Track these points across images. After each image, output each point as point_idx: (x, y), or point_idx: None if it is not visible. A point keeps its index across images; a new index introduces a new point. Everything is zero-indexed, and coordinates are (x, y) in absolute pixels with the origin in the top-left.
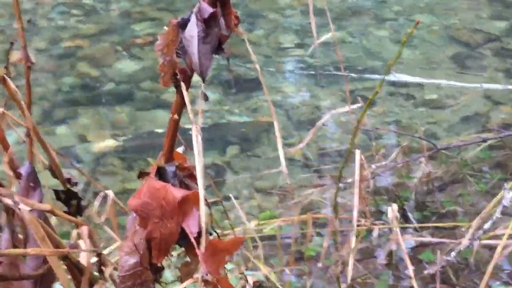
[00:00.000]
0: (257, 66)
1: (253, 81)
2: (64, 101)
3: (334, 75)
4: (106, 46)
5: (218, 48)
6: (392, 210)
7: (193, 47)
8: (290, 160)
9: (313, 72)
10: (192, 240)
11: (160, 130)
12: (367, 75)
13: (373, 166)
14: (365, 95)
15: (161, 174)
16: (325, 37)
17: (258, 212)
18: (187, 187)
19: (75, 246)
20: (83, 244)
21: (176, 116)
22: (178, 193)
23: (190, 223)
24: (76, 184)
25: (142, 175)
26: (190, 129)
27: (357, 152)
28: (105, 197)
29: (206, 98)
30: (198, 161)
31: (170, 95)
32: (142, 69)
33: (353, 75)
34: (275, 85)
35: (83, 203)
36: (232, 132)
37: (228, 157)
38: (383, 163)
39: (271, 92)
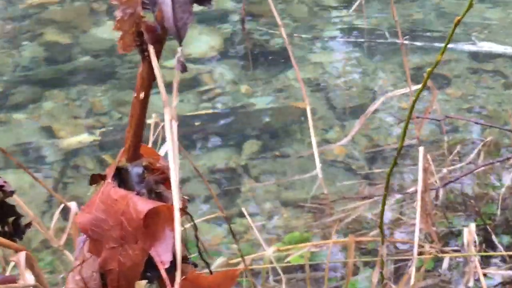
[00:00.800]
0: (283, 32)
1: (281, 52)
2: (24, 80)
3: (392, 44)
4: (81, 6)
5: None
6: (469, 232)
7: None
8: (330, 162)
9: (363, 40)
10: (163, 273)
11: (151, 121)
12: (438, 45)
13: (445, 169)
14: (436, 72)
15: (122, 178)
16: None
17: (285, 233)
18: (159, 197)
19: (10, 280)
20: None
21: (142, 95)
22: (143, 205)
23: (160, 249)
24: (12, 193)
25: (95, 179)
26: (191, 118)
27: (421, 150)
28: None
29: (183, 68)
30: (172, 157)
31: (167, 71)
32: None
33: (418, 44)
34: (312, 58)
35: (24, 220)
36: (252, 123)
37: (246, 157)
38: (459, 165)
39: (307, 67)
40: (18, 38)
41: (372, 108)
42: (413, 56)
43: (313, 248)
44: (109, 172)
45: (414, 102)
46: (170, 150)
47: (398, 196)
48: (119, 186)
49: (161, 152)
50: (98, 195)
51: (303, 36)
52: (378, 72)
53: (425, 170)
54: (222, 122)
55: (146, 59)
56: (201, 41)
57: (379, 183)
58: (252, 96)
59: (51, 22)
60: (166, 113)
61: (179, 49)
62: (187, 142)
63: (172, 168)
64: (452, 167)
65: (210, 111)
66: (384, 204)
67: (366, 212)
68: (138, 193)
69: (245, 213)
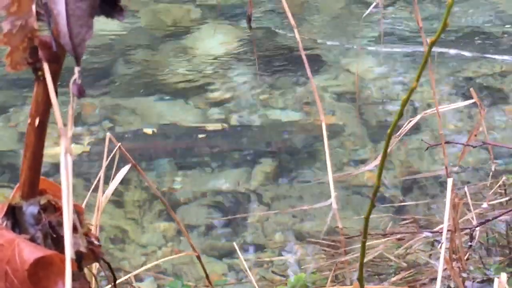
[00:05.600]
0: (297, 34)
1: (308, 56)
2: (2, 79)
3: (440, 52)
4: None
5: (105, 6)
6: (499, 283)
7: (60, 4)
8: (356, 189)
9: (399, 50)
10: None
11: (151, 130)
12: (490, 56)
13: (484, 205)
14: (487, 84)
15: (16, 218)
16: None
17: (297, 272)
18: (58, 242)
19: None
20: None
21: (37, 122)
22: (30, 254)
23: None
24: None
25: None
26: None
27: (450, 183)
28: None
29: (80, 93)
30: (66, 196)
31: (174, 76)
32: (134, 31)
33: (465, 54)
34: (344, 64)
35: None
36: (267, 138)
37: (258, 180)
38: (504, 199)
39: (338, 75)
40: None
41: (407, 126)
42: (465, 66)
43: None
44: (0, 210)
45: (398, 116)
46: (64, 189)
47: (426, 235)
48: (13, 228)
49: (117, 178)
50: None
51: (334, 39)
52: (422, 83)
53: (455, 206)
54: (232, 136)
55: (41, 80)
56: (214, 40)
57: (409, 218)
58: (270, 107)
59: None
60: (62, 145)
61: (76, 69)
62: (190, 158)
63: (65, 209)
64: (493, 201)
65: (219, 125)
66: (363, 250)
67: (389, 251)
68: (32, 238)
69: (236, 248)
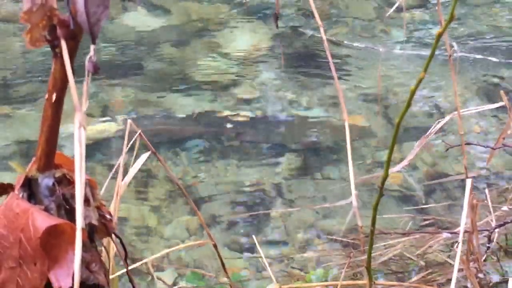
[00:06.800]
0: (323, 33)
1: (336, 57)
2: (33, 70)
3: (469, 56)
4: None
5: None
6: None
7: None
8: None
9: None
10: None
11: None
12: None
13: (504, 207)
14: None
15: (32, 189)
16: None
17: (315, 269)
18: (70, 213)
19: None
20: None
21: (54, 97)
22: (42, 222)
23: (59, 273)
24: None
25: (3, 189)
26: (224, 119)
27: (468, 183)
28: None
29: (95, 69)
30: (78, 169)
31: (203, 72)
32: (164, 27)
33: (493, 59)
34: (372, 66)
35: None
36: (294, 136)
37: (282, 176)
38: None
39: (366, 77)
40: None
41: (434, 129)
42: (491, 71)
43: None
44: (17, 182)
45: (399, 123)
46: (77, 161)
47: (446, 235)
48: (29, 199)
49: (136, 164)
50: (1, 207)
51: (361, 41)
52: (449, 87)
53: (473, 207)
54: (258, 133)
55: (58, 57)
56: (243, 38)
57: (430, 219)
58: (297, 106)
59: None
60: (76, 119)
61: (91, 47)
62: (215, 153)
63: (77, 181)
64: None
65: (245, 120)
66: (371, 241)
67: (408, 250)
68: (46, 208)
69: (256, 243)
